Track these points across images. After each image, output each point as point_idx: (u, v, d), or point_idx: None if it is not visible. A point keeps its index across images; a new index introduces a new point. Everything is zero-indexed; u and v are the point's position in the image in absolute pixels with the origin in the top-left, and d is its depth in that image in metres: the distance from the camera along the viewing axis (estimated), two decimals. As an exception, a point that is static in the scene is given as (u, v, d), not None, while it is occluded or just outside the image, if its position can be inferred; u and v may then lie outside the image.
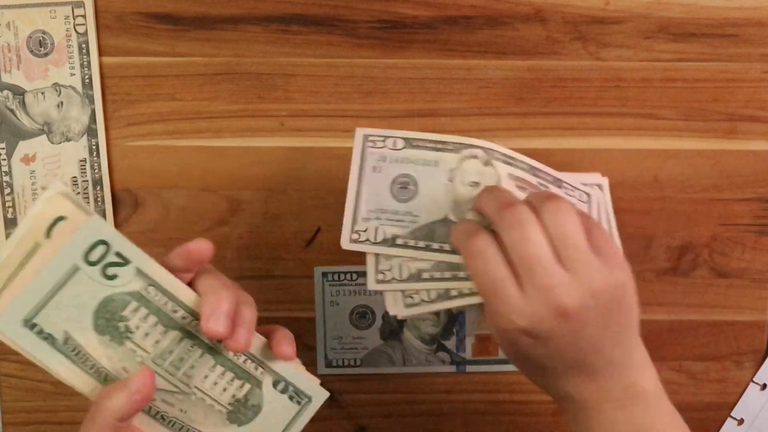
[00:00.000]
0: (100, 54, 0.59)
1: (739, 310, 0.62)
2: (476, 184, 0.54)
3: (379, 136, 0.55)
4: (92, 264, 0.43)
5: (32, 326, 0.42)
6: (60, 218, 0.42)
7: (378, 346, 0.63)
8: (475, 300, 0.53)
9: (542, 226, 0.47)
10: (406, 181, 0.55)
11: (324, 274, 0.62)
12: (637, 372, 0.49)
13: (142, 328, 0.45)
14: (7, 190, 0.60)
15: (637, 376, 0.48)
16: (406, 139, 0.55)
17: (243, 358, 0.48)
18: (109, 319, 0.44)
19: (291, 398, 0.50)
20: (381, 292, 0.53)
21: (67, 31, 0.59)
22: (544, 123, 0.60)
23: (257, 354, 0.48)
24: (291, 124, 0.60)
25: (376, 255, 0.54)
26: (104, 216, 0.61)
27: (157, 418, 0.46)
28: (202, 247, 0.46)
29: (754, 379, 0.63)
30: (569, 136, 0.60)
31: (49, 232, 0.42)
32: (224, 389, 0.48)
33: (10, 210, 0.61)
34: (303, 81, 0.60)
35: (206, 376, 0.47)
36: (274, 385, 0.49)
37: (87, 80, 0.59)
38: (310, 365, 0.63)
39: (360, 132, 0.55)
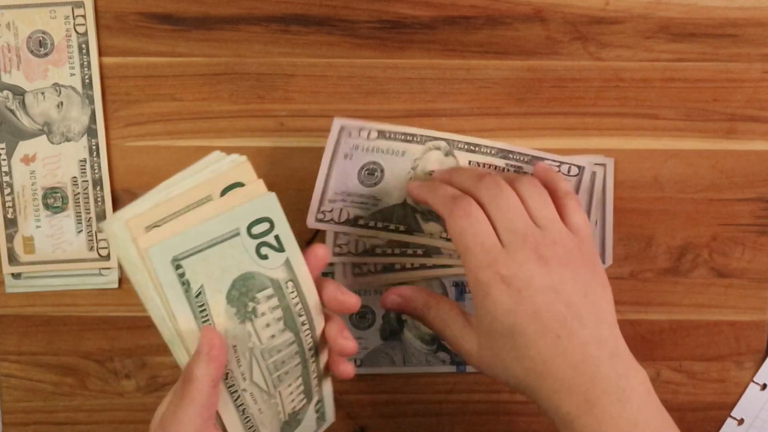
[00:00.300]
0: (100, 54, 0.59)
1: (739, 310, 0.62)
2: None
3: (354, 127, 0.59)
4: (251, 237, 0.43)
5: (177, 266, 0.41)
6: (239, 184, 0.43)
7: (378, 346, 0.63)
8: (415, 276, 0.60)
9: (515, 191, 0.51)
10: (373, 168, 0.60)
11: (324, 275, 0.62)
12: (626, 364, 0.48)
13: (267, 317, 0.45)
14: (7, 190, 0.60)
15: (624, 368, 0.48)
16: (380, 131, 0.59)
17: (316, 374, 0.48)
18: (242, 294, 0.44)
19: (318, 418, 0.51)
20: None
21: (67, 31, 0.59)
22: (544, 123, 0.60)
23: (322, 372, 0.49)
24: (291, 124, 0.60)
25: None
26: (104, 216, 0.61)
27: (239, 410, 0.46)
28: (323, 252, 0.48)
29: (754, 379, 0.63)
30: (569, 136, 0.60)
31: (224, 192, 0.43)
32: (292, 400, 0.48)
33: (10, 210, 0.61)
34: (303, 81, 0.60)
35: (289, 385, 0.47)
36: (316, 403, 0.50)
37: (87, 80, 0.59)
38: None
39: (338, 122, 0.59)
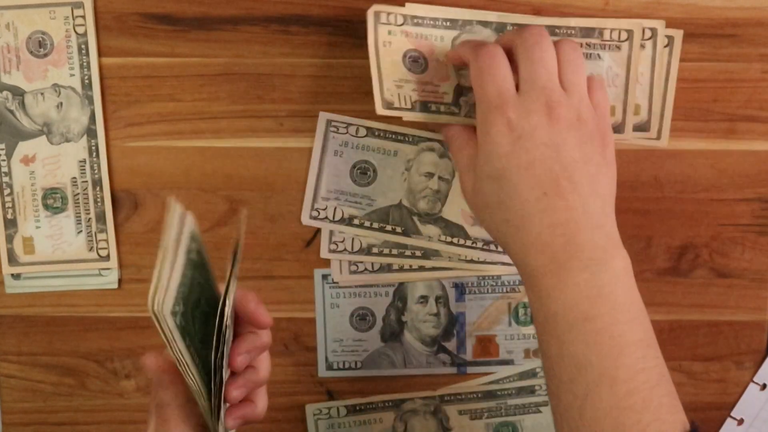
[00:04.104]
0: (100, 55, 0.59)
1: (739, 310, 0.62)
2: (430, 174, 0.60)
3: (341, 122, 0.59)
4: None
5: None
6: None
7: (378, 348, 0.63)
8: (413, 277, 0.61)
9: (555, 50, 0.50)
10: (365, 167, 0.60)
11: (324, 277, 0.62)
12: (608, 239, 0.48)
13: None
14: (6, 191, 0.60)
15: (605, 242, 0.48)
16: (368, 128, 0.58)
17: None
18: None
19: None
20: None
21: (66, 31, 0.59)
22: (544, 123, 0.60)
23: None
24: (291, 124, 0.60)
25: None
26: (104, 216, 0.61)
27: None
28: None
29: (754, 379, 0.63)
30: (569, 136, 0.60)
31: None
32: None
33: (10, 210, 0.60)
34: (303, 81, 0.60)
35: None
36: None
37: (86, 81, 0.59)
38: (311, 367, 0.63)
39: (323, 116, 0.60)
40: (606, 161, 0.50)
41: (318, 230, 0.61)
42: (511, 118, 0.48)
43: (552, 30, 0.58)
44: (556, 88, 0.49)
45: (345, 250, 0.60)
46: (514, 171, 0.48)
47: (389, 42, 0.57)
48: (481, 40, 0.54)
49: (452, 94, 0.58)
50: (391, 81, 0.57)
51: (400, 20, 0.57)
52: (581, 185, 0.48)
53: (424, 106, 0.57)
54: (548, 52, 0.50)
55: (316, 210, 0.60)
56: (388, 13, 0.57)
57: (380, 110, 0.56)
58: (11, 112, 0.60)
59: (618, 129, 0.59)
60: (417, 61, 0.57)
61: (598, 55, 0.58)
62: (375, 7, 0.58)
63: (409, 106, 0.57)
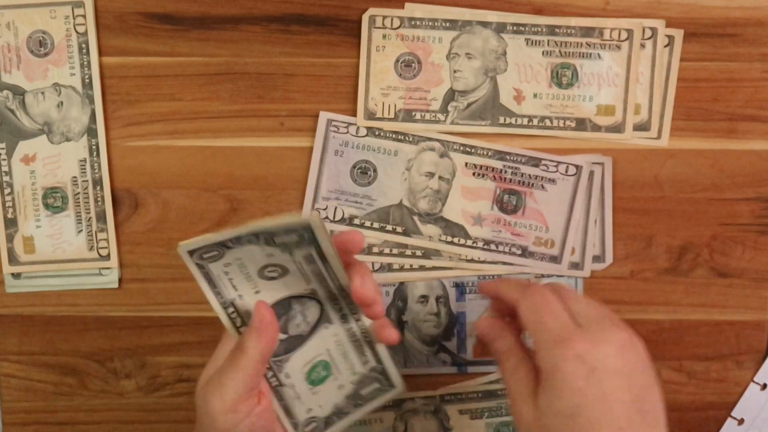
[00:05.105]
0: (100, 54, 0.59)
1: (739, 310, 0.62)
2: (431, 174, 0.60)
3: (342, 122, 0.60)
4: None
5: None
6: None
7: (378, 346, 0.63)
8: (414, 277, 0.61)
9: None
10: (366, 167, 0.60)
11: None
12: None
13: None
14: (7, 190, 0.60)
15: None
16: (368, 128, 0.60)
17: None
18: None
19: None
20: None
21: (67, 31, 0.59)
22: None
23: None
24: (291, 124, 0.60)
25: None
26: (104, 216, 0.61)
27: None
28: (356, 238, 0.48)
29: (754, 379, 0.63)
30: (569, 135, 0.60)
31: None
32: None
33: (10, 210, 0.61)
34: (303, 81, 0.60)
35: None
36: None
37: (87, 80, 0.59)
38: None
39: (324, 116, 0.60)
40: (658, 383, 0.48)
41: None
42: (580, 351, 0.46)
43: (552, 29, 0.58)
44: (609, 316, 0.48)
45: None
46: (591, 406, 0.46)
47: (383, 47, 0.58)
48: (523, 280, 0.53)
49: (441, 101, 0.58)
50: (377, 89, 0.57)
51: (396, 23, 0.57)
52: (650, 414, 0.46)
53: (408, 115, 0.58)
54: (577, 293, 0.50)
55: (317, 210, 0.60)
56: (384, 17, 0.57)
57: (361, 121, 0.59)
58: (12, 111, 0.60)
59: (618, 129, 0.59)
60: (410, 66, 0.58)
61: (598, 54, 0.58)
62: (371, 11, 0.58)
63: (392, 115, 0.58)
